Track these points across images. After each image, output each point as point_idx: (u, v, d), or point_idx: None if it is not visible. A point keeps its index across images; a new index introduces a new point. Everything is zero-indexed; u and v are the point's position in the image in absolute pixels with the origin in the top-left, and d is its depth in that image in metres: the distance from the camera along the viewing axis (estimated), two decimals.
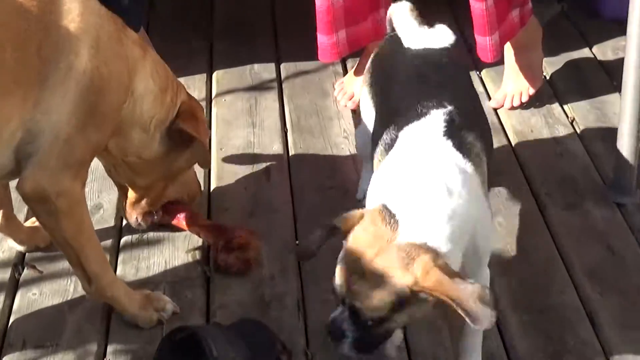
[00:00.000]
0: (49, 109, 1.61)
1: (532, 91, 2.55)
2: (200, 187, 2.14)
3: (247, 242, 1.99)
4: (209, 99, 2.59)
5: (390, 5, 2.44)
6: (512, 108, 2.56)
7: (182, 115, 1.88)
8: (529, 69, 2.56)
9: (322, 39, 2.39)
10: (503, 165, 2.33)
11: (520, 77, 2.56)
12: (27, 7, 1.60)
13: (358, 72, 2.54)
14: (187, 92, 1.96)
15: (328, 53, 2.41)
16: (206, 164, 2.03)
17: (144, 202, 2.00)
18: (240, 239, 1.99)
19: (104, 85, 1.66)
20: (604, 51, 2.85)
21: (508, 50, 2.54)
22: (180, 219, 2.06)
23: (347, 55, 2.66)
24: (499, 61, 2.52)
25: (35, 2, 1.61)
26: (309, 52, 2.71)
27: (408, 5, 1.90)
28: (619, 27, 2.83)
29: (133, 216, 2.02)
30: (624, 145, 2.21)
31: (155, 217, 2.04)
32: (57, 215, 1.68)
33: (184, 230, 2.08)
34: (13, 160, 1.65)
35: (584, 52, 2.85)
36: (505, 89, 2.57)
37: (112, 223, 2.12)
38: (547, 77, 2.69)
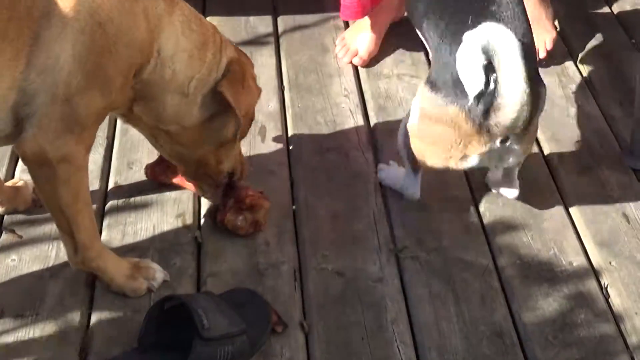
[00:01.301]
0: (45, 69, 1.49)
1: (549, 45, 2.43)
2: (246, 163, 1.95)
3: (257, 203, 1.89)
4: None
5: None
6: None
7: (228, 76, 1.70)
8: (543, 22, 2.43)
9: None
10: None
11: (535, 32, 2.40)
12: None
13: (371, 22, 2.41)
14: (235, 47, 1.78)
15: (352, 11, 2.33)
16: (240, 135, 1.80)
17: (203, 177, 1.85)
18: (251, 199, 1.88)
19: (108, 45, 1.53)
20: (622, 6, 2.71)
21: None
22: (184, 178, 1.95)
23: None
24: None
25: None
26: (309, 4, 2.60)
27: None
28: None
29: (205, 191, 1.89)
30: None
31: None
32: (55, 181, 1.58)
33: (179, 191, 1.97)
34: (10, 122, 1.54)
35: (601, 7, 2.71)
36: None
37: (97, 186, 2.00)
38: (561, 33, 2.56)
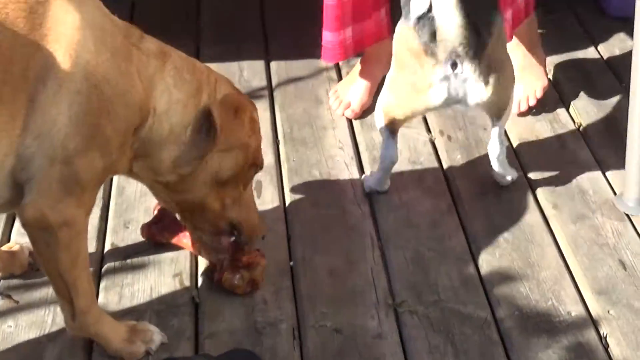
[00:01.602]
0: (41, 133, 1.49)
1: (539, 93, 2.45)
2: (263, 224, 1.92)
3: (254, 260, 1.88)
4: None
5: (387, 4, 2.34)
6: (521, 114, 2.44)
7: (221, 100, 1.69)
8: (534, 69, 2.46)
9: (329, 37, 2.28)
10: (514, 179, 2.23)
11: (525, 80, 2.45)
12: (14, 21, 1.47)
13: (363, 74, 2.42)
14: (235, 88, 1.78)
15: (334, 53, 2.30)
16: (243, 181, 1.78)
17: (204, 224, 1.82)
18: (248, 257, 1.88)
19: (105, 106, 1.53)
20: (611, 50, 2.74)
21: (512, 51, 2.43)
22: (181, 237, 1.95)
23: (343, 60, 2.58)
24: None
25: (24, 13, 1.48)
26: (302, 56, 2.62)
27: None
28: (625, 25, 2.75)
29: (204, 241, 1.86)
30: (634, 153, 2.11)
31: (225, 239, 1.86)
32: (56, 245, 1.57)
33: (176, 250, 1.97)
34: (9, 188, 1.54)
35: (590, 52, 2.74)
36: None
37: (93, 247, 2.00)
38: (553, 80, 2.58)
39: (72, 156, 1.52)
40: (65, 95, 1.49)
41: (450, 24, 1.83)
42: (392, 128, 2.07)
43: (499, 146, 2.12)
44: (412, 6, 1.90)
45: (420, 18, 1.87)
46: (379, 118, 2.08)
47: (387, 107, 2.05)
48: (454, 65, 1.90)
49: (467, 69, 1.91)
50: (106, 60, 1.54)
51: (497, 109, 2.05)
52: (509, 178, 2.18)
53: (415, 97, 1.97)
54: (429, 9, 1.86)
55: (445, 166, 2.28)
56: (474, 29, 1.84)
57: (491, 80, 1.94)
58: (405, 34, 1.93)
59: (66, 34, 1.50)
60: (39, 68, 1.49)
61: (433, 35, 1.86)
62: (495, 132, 2.10)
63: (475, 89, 1.94)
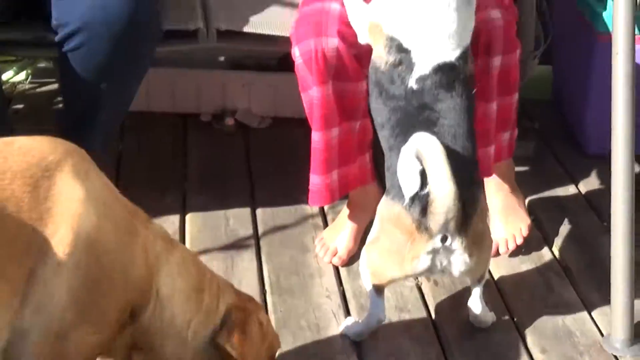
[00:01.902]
0: (40, 307, 1.49)
1: (525, 232, 2.48)
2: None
3: None
4: None
5: (370, 150, 2.41)
6: (511, 254, 2.46)
7: (226, 325, 1.68)
8: (516, 209, 2.51)
9: (316, 180, 2.32)
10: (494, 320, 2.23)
11: (509, 220, 2.49)
12: (20, 196, 1.48)
13: (349, 219, 2.45)
14: (237, 291, 1.79)
15: (321, 196, 2.34)
16: None
17: None
18: None
19: (103, 280, 1.53)
20: (591, 189, 2.80)
21: (493, 194, 2.49)
22: None
23: (328, 206, 2.62)
24: None
25: (30, 188, 1.50)
26: (287, 202, 2.66)
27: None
28: (604, 162, 2.81)
29: None
30: (619, 294, 2.13)
31: None
32: None
33: None
34: None
35: (571, 190, 2.80)
36: (496, 236, 2.46)
37: None
38: (534, 219, 2.62)
39: (67, 330, 1.51)
40: (65, 269, 1.50)
41: (444, 196, 1.85)
42: (377, 288, 2.09)
43: (480, 304, 2.17)
44: (405, 188, 1.91)
45: (413, 198, 1.90)
46: (365, 278, 2.12)
47: (371, 269, 2.08)
48: (443, 239, 1.93)
49: (456, 242, 1.94)
50: (107, 233, 1.55)
51: (477, 275, 2.11)
52: (488, 323, 2.22)
53: (399, 266, 1.99)
54: (421, 187, 1.88)
55: (432, 312, 2.29)
56: (463, 203, 1.88)
57: (475, 251, 1.99)
58: (396, 213, 1.96)
59: (70, 208, 1.51)
60: (41, 241, 1.49)
61: (424, 211, 1.89)
62: (475, 292, 2.16)
63: (460, 261, 1.98)
